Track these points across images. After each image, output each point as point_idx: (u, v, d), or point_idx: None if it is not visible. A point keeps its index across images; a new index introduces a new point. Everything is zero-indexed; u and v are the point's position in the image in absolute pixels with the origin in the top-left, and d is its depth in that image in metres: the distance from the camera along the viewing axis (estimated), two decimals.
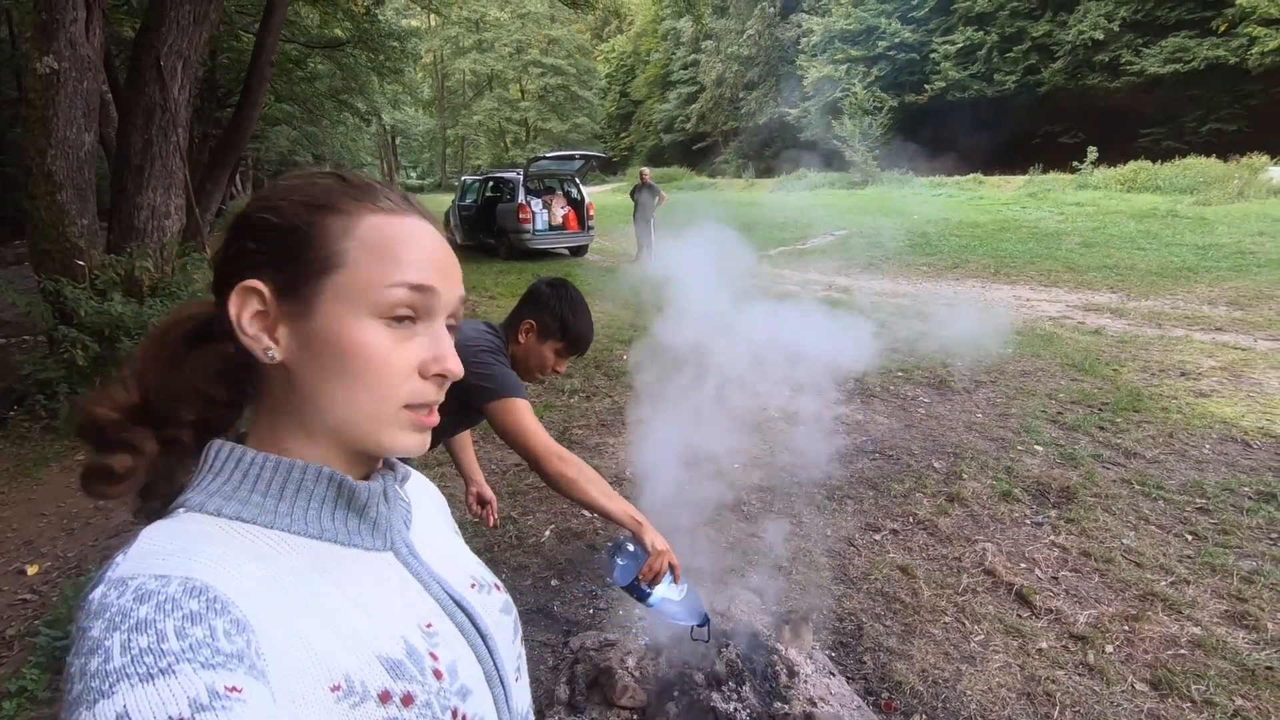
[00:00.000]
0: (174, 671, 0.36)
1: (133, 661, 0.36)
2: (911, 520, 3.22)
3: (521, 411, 1.61)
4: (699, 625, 1.66)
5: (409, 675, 0.49)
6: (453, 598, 0.58)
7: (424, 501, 0.69)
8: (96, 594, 0.41)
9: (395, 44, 19.39)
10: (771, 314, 4.22)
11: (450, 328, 0.57)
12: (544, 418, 4.64)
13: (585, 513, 3.32)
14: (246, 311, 0.51)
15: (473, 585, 0.62)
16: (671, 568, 1.54)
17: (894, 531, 3.13)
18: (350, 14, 16.92)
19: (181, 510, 0.50)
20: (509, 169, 14.41)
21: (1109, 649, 2.32)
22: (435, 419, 0.55)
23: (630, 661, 1.95)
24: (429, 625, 0.54)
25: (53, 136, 5.56)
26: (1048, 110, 24.21)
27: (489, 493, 2.22)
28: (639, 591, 1.55)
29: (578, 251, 12.84)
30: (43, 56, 5.56)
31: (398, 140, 47.65)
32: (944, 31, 26.01)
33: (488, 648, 0.58)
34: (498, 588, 0.66)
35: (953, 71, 25.25)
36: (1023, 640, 2.38)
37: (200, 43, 6.78)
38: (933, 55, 25.79)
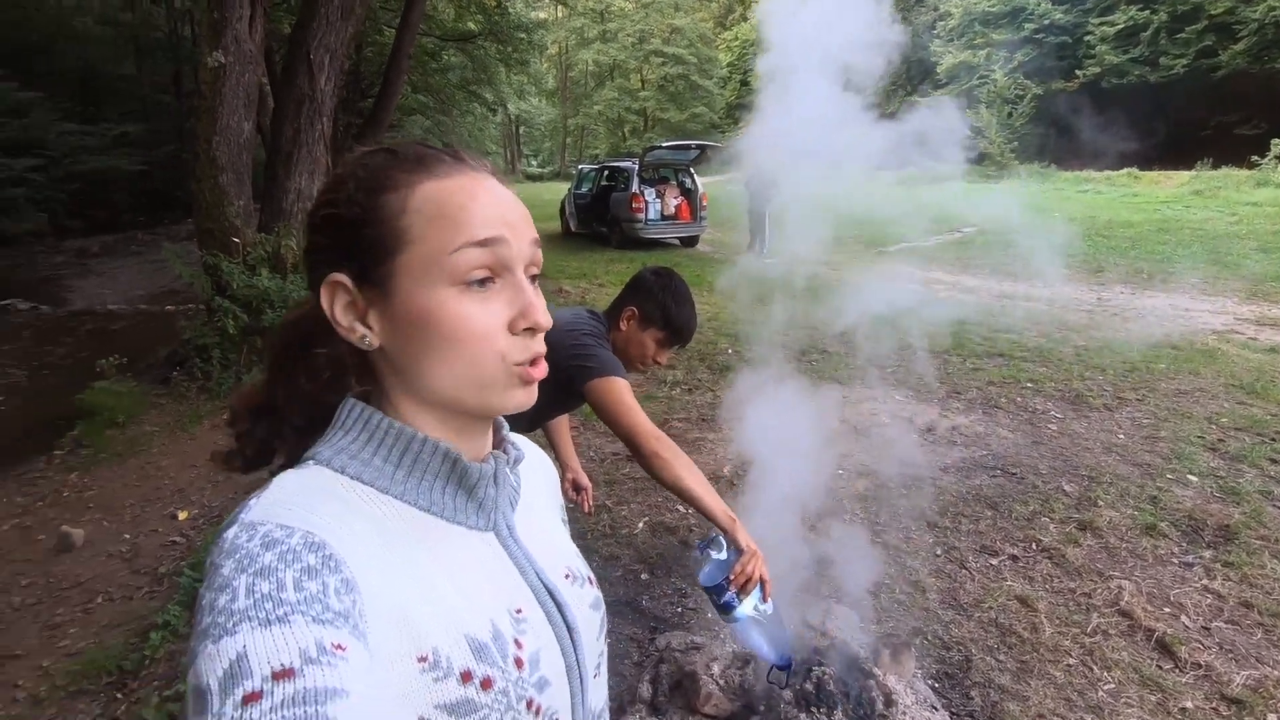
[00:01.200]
0: (289, 621, 0.38)
1: (255, 605, 0.39)
2: (1035, 547, 2.95)
3: (621, 390, 1.58)
4: (780, 667, 1.48)
5: (491, 660, 0.49)
6: (546, 586, 0.58)
7: (535, 484, 0.68)
8: (230, 533, 0.44)
9: (523, 35, 20.04)
10: (884, 313, 3.99)
11: (533, 277, 0.57)
12: (642, 408, 4.63)
13: (681, 507, 3.28)
14: (337, 305, 0.53)
15: (567, 576, 0.62)
16: (762, 580, 1.41)
17: (1013, 558, 2.88)
18: (482, 7, 17.63)
19: (311, 462, 0.52)
20: (625, 158, 14.55)
21: (1271, 718, 2.02)
22: (542, 369, 0.55)
23: (715, 669, 1.90)
24: (519, 611, 0.54)
25: (218, 124, 6.12)
26: (1223, 98, 21.50)
27: (584, 479, 2.22)
28: (725, 599, 1.39)
29: (689, 242, 12.78)
30: (212, 51, 6.12)
31: (521, 130, 49.31)
32: (1102, 11, 23.67)
33: (573, 641, 0.58)
34: (591, 582, 0.66)
35: (1110, 55, 22.93)
36: (1162, 695, 2.12)
37: (346, 37, 7.25)
38: (1087, 38, 23.54)
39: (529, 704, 0.51)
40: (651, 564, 2.83)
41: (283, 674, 0.36)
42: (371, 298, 0.53)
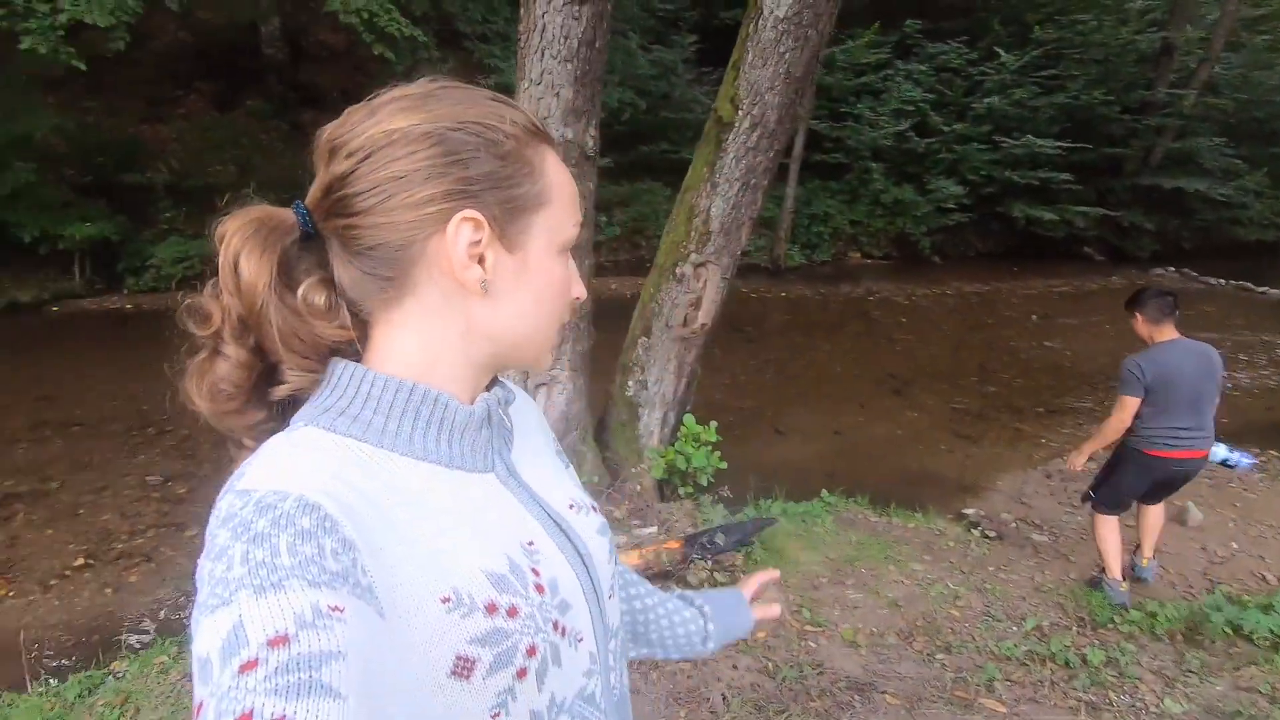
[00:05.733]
0: (284, 587, 0.38)
1: (250, 573, 0.39)
2: None
3: None
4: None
5: (512, 589, 0.50)
6: (552, 518, 0.60)
7: (527, 424, 0.68)
8: (224, 502, 0.44)
9: None
10: None
11: None
12: None
13: None
14: (462, 242, 0.51)
15: (571, 506, 0.63)
16: None
17: None
18: None
19: (301, 424, 0.51)
20: None
21: None
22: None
23: None
24: (530, 543, 0.55)
25: None
26: None
27: None
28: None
29: None
30: None
31: None
32: None
33: (585, 566, 0.60)
34: (594, 509, 0.67)
35: None
36: None
37: None
38: None
39: (555, 625, 0.53)
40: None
41: (278, 640, 0.36)
42: (501, 243, 0.53)
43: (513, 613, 0.49)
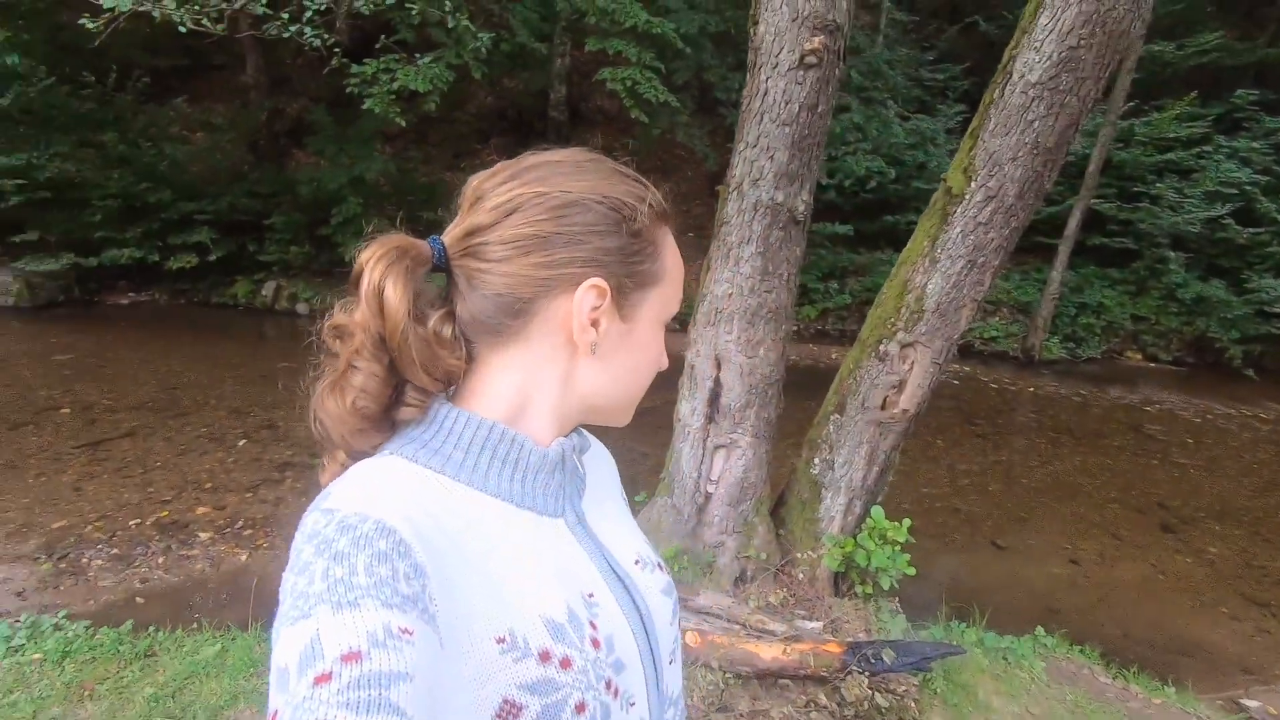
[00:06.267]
0: (359, 606, 0.40)
1: (329, 589, 0.40)
2: None
3: None
4: None
5: (569, 640, 0.50)
6: (616, 572, 0.60)
7: (600, 472, 0.69)
8: (310, 519, 0.46)
9: None
10: None
11: None
12: None
13: None
14: (586, 306, 0.55)
15: (637, 562, 0.63)
16: None
17: None
18: None
19: (387, 452, 0.53)
20: None
21: None
22: None
23: None
24: (591, 595, 0.55)
25: None
26: None
27: None
28: None
29: None
30: None
31: None
32: None
33: (644, 626, 0.59)
34: (661, 568, 0.66)
35: None
36: None
37: None
38: None
39: (608, 684, 0.52)
40: None
41: (351, 656, 0.37)
42: (616, 312, 0.57)
43: (566, 664, 0.49)
